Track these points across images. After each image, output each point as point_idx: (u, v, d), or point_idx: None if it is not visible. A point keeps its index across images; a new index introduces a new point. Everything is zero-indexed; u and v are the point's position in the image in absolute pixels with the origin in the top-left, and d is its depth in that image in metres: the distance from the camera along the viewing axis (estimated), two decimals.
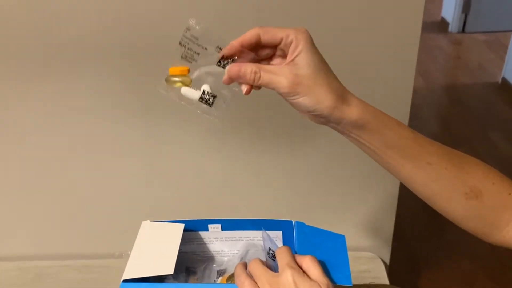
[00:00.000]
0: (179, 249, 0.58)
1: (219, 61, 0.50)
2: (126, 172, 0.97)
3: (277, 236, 0.65)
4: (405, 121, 0.94)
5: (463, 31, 3.69)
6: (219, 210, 1.02)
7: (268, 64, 0.52)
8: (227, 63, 0.50)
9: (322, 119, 0.49)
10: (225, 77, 0.50)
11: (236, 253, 0.67)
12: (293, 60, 0.48)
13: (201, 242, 0.66)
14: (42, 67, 0.84)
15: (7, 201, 1.00)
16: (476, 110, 2.68)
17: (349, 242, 0.59)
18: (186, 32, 0.49)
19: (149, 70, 0.82)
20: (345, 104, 0.48)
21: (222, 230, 0.65)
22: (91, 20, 0.81)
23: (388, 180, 1.04)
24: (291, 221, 0.64)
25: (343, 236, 0.60)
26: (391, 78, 0.90)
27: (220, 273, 0.65)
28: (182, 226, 0.62)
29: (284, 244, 0.65)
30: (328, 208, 1.07)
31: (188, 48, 0.50)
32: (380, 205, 1.09)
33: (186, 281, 0.64)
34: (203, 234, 0.65)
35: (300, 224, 0.63)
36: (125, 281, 0.56)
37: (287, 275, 0.47)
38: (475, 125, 2.51)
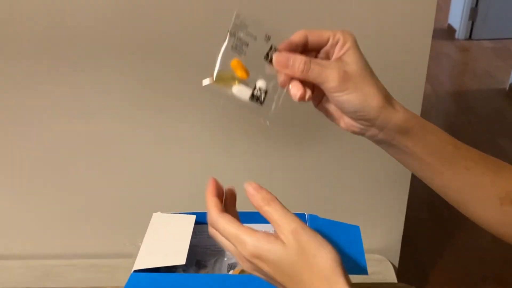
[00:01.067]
0: (190, 243, 0.57)
1: (267, 54, 0.47)
2: (135, 169, 0.96)
3: None
4: None
5: (470, 38, 3.69)
6: None
7: None
8: None
9: (367, 122, 0.47)
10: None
11: None
12: (340, 57, 0.47)
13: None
14: (46, 64, 0.84)
15: (14, 199, 0.99)
16: (484, 117, 2.66)
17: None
18: (236, 19, 0.46)
19: (157, 67, 0.83)
20: (391, 105, 0.47)
21: None
22: (97, 14, 0.80)
23: (398, 184, 1.03)
24: (303, 214, 0.63)
25: (357, 227, 0.59)
26: (401, 85, 0.88)
27: (231, 266, 0.65)
28: (193, 217, 0.61)
29: None
30: (337, 211, 1.07)
31: (238, 38, 0.47)
32: (390, 208, 1.09)
33: None
34: None
35: (313, 217, 0.62)
36: (136, 271, 0.55)
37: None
38: (483, 131, 2.49)
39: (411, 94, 0.92)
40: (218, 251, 0.67)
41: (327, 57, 0.49)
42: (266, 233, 0.42)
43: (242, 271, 0.63)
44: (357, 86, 0.46)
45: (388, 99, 0.47)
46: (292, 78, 0.47)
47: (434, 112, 2.68)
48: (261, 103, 0.48)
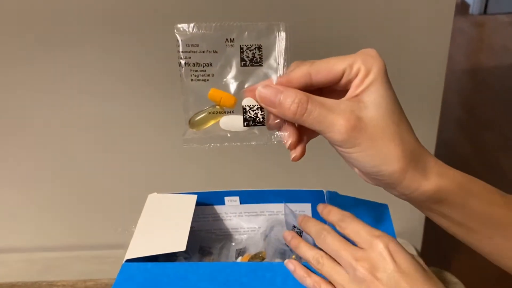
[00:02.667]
0: (191, 227, 0.51)
1: (241, 59, 0.37)
2: (138, 154, 0.92)
3: (304, 210, 0.58)
4: (437, 108, 0.92)
5: (484, 12, 3.57)
6: (237, 180, 0.94)
7: None
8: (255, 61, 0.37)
9: (384, 184, 0.38)
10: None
11: (257, 230, 0.60)
12: (357, 95, 0.35)
13: (217, 218, 0.60)
14: (41, 42, 0.79)
15: (12, 190, 0.96)
16: (502, 93, 2.57)
17: None
18: (180, 45, 0.36)
19: (157, 46, 0.79)
20: (419, 169, 0.36)
21: (240, 203, 0.58)
22: None
23: None
24: (321, 191, 0.56)
25: (385, 206, 0.52)
26: (423, 65, 0.86)
27: (239, 252, 0.58)
28: (194, 197, 0.55)
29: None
30: (353, 190, 1.00)
31: (194, 64, 0.37)
32: None
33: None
34: (218, 208, 0.59)
35: (333, 195, 0.55)
36: (128, 260, 0.47)
37: (378, 246, 0.38)
38: (501, 108, 2.40)
39: (431, 75, 0.89)
40: (224, 236, 0.61)
41: (343, 90, 0.37)
42: None
43: (252, 258, 0.55)
44: (373, 141, 0.35)
45: (416, 158, 0.36)
46: (282, 120, 0.37)
47: (449, 89, 2.59)
48: (261, 122, 0.38)
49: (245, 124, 0.38)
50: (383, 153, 0.35)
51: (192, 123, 0.38)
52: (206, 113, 0.38)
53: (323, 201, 0.55)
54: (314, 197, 0.57)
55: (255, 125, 0.38)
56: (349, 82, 0.36)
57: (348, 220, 0.42)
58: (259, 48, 0.37)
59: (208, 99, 0.38)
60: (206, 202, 0.58)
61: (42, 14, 0.76)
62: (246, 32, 0.37)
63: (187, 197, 0.55)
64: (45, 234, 1.02)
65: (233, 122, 0.38)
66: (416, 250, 1.08)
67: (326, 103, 0.35)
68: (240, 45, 0.37)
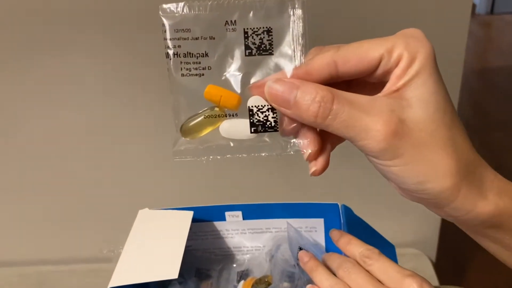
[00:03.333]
0: (188, 246, 0.47)
1: (247, 47, 0.30)
2: (135, 163, 0.88)
3: (316, 226, 0.52)
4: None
5: (491, 12, 3.57)
6: (239, 192, 0.89)
7: None
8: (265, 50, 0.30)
9: (428, 204, 0.30)
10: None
11: (262, 249, 0.55)
12: (398, 90, 0.28)
13: (216, 236, 0.55)
14: (31, 39, 0.75)
15: (5, 201, 0.94)
16: (511, 94, 2.54)
17: (391, 237, 0.49)
18: (166, 30, 0.30)
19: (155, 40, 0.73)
20: (475, 185, 0.29)
21: (243, 219, 0.54)
22: None
23: None
24: (336, 205, 0.50)
25: (393, 246, 0.48)
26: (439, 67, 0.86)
27: (242, 275, 0.53)
28: (190, 213, 0.50)
29: (327, 238, 0.52)
30: (368, 196, 0.97)
31: (186, 54, 0.30)
32: None
33: None
34: (218, 225, 0.54)
35: (348, 211, 0.49)
36: None
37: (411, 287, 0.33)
38: (510, 108, 2.37)
39: (447, 77, 0.88)
40: (224, 256, 0.56)
41: (378, 83, 0.30)
42: None
43: (257, 283, 0.49)
44: (419, 150, 0.27)
45: (471, 174, 0.28)
46: (299, 124, 0.30)
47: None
48: (273, 127, 0.30)
49: (252, 130, 0.30)
50: (432, 166, 0.27)
51: (184, 130, 0.31)
52: (202, 117, 0.31)
53: (337, 216, 0.51)
54: (327, 212, 0.51)
55: (265, 131, 0.30)
56: (388, 73, 0.28)
57: (374, 256, 0.36)
58: (269, 31, 0.30)
59: (204, 99, 0.30)
60: (204, 218, 0.53)
61: (23, 20, 0.73)
62: (252, 12, 0.29)
63: (182, 213, 0.50)
64: (39, 247, 1.00)
65: (237, 128, 0.31)
66: (431, 260, 1.05)
67: (357, 101, 0.27)
68: (244, 29, 0.30)
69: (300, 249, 0.46)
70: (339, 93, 0.27)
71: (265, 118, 0.30)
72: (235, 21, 0.29)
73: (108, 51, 0.76)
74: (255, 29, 0.30)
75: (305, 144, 0.30)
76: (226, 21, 0.29)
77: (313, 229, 0.52)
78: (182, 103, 0.31)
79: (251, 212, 0.52)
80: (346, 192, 0.96)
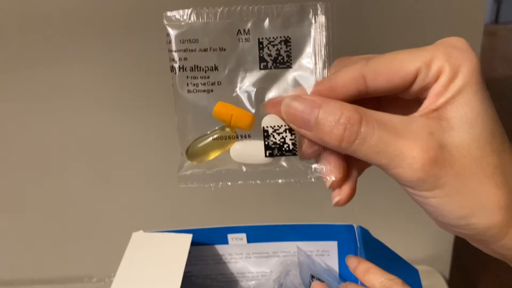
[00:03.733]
0: (186, 272, 0.44)
1: (261, 59, 0.27)
2: (128, 177, 0.84)
3: (329, 250, 0.48)
4: None
5: (496, 21, 3.62)
6: (243, 212, 0.86)
7: None
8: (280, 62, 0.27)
9: (473, 240, 0.27)
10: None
11: (269, 275, 0.51)
12: (438, 109, 0.24)
13: (218, 261, 0.52)
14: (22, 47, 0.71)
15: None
16: None
17: (403, 253, 0.46)
18: (172, 41, 0.27)
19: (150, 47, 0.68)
20: None
21: (247, 242, 0.50)
22: None
23: None
24: (351, 226, 0.47)
25: (416, 271, 0.44)
26: None
27: None
28: (189, 236, 0.47)
29: (341, 263, 0.48)
30: (379, 211, 0.94)
31: (193, 68, 0.27)
32: None
33: None
34: (220, 248, 0.51)
35: (365, 233, 0.45)
36: None
37: None
38: None
39: None
40: (227, 282, 0.52)
41: (410, 105, 0.26)
42: None
43: None
44: (463, 181, 0.24)
45: None
46: (321, 146, 0.26)
47: None
48: (291, 150, 0.27)
49: (267, 154, 0.27)
50: (477, 199, 0.23)
51: (191, 153, 0.28)
52: (211, 138, 0.28)
53: (353, 239, 0.47)
54: (341, 234, 0.48)
55: (281, 154, 0.27)
56: (425, 89, 0.24)
57: (397, 287, 0.34)
58: (287, 41, 0.27)
59: (213, 118, 0.28)
60: (204, 241, 0.50)
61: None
62: (267, 19, 0.27)
63: (180, 236, 0.47)
64: (29, 265, 0.96)
65: (250, 151, 0.28)
66: (444, 277, 1.02)
67: (390, 122, 0.24)
68: (259, 39, 0.27)
69: (312, 277, 0.42)
70: (367, 112, 0.24)
71: (282, 140, 0.27)
72: (248, 30, 0.27)
73: (106, 61, 0.73)
74: (271, 39, 0.27)
75: (328, 170, 0.26)
76: (239, 30, 0.27)
77: (325, 253, 0.48)
78: (188, 123, 0.28)
79: (257, 234, 0.49)
80: (363, 211, 0.95)
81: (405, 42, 0.68)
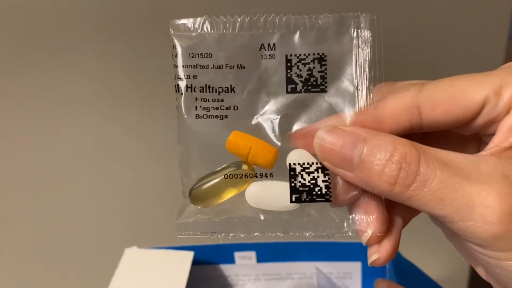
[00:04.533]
0: None
1: (289, 80, 0.23)
2: (116, 192, 0.80)
3: (352, 272, 0.45)
4: None
5: (510, 38, 3.65)
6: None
7: None
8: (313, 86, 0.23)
9: None
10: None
11: None
12: (510, 148, 0.21)
13: (224, 282, 0.49)
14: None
15: None
16: None
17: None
18: (178, 55, 0.23)
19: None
20: None
21: (257, 261, 0.47)
22: None
23: None
24: None
25: None
26: None
27: None
28: (190, 254, 0.43)
29: (365, 287, 0.45)
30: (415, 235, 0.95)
31: (202, 89, 0.23)
32: None
33: None
34: (226, 268, 0.48)
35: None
36: None
37: None
38: None
39: None
40: None
41: (466, 142, 0.23)
42: None
43: None
44: None
45: None
46: (360, 191, 0.22)
47: None
48: (324, 195, 0.22)
49: (293, 199, 0.22)
50: None
51: (195, 196, 0.23)
52: (222, 176, 0.23)
53: None
54: (365, 253, 0.41)
55: (311, 200, 0.22)
56: (492, 122, 0.20)
57: None
58: (321, 59, 0.22)
59: (226, 150, 0.23)
60: (208, 260, 0.46)
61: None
62: (298, 32, 0.22)
63: (180, 253, 0.43)
64: (19, 282, 0.88)
65: (271, 194, 0.22)
66: None
67: (453, 162, 0.19)
68: (287, 55, 0.22)
69: None
70: (426, 149, 0.19)
71: (313, 181, 0.22)
72: (274, 44, 0.22)
73: (106, 67, 0.70)
74: (302, 56, 0.22)
75: (368, 221, 0.22)
76: (262, 44, 0.22)
77: (347, 276, 0.44)
78: (193, 156, 0.23)
79: (268, 252, 0.46)
80: None
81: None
